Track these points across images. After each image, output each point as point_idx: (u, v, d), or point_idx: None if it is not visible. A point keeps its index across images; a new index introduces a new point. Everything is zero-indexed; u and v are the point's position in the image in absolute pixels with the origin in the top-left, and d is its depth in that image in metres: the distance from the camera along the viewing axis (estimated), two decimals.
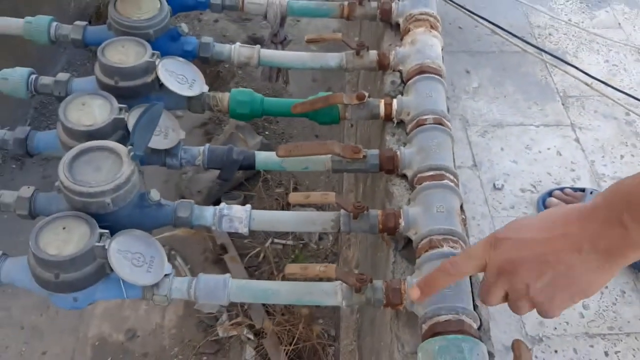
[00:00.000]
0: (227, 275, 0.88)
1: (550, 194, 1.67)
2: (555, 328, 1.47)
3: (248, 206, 0.96)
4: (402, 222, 0.92)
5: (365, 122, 1.50)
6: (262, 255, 1.61)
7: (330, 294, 0.85)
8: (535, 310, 0.68)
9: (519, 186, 1.75)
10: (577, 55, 2.17)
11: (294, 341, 1.32)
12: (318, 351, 1.31)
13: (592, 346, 1.44)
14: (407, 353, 0.84)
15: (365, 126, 1.51)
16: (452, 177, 0.96)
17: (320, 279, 0.84)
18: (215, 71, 2.03)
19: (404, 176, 1.02)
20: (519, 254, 0.65)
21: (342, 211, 0.94)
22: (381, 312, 1.01)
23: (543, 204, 1.64)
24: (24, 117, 2.04)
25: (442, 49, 1.20)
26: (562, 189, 1.66)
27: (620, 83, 2.07)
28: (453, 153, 1.03)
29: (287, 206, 1.74)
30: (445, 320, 0.77)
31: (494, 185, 1.78)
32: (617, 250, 0.60)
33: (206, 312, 1.51)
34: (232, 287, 0.86)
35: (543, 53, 2.11)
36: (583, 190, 1.63)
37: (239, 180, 1.84)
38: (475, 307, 0.83)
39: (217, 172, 1.04)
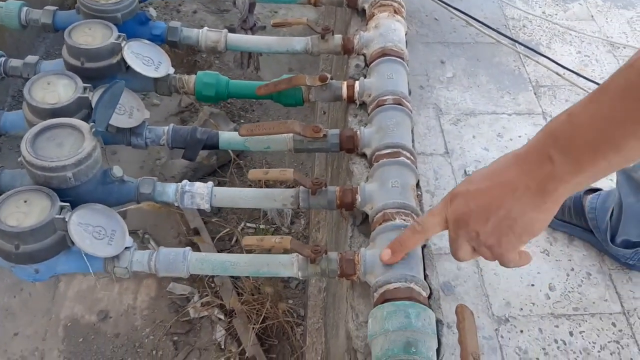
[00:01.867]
0: (187, 248, 0.90)
1: None
2: (522, 309, 1.51)
3: (210, 183, 0.98)
4: (358, 198, 0.95)
5: (334, 108, 1.53)
6: (234, 238, 1.63)
7: (287, 265, 0.88)
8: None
9: None
10: (550, 47, 2.20)
11: (262, 320, 1.35)
12: (287, 330, 1.33)
13: (557, 326, 1.47)
14: (361, 322, 0.87)
15: (334, 111, 1.54)
16: (408, 154, 0.99)
17: (278, 251, 0.87)
18: (192, 60, 2.05)
19: (364, 155, 1.05)
20: (468, 206, 0.71)
21: (302, 188, 0.97)
22: (340, 286, 1.04)
23: None
24: (1, 105, 2.05)
25: (405, 34, 1.22)
26: None
27: (592, 73, 2.11)
28: (412, 132, 1.07)
29: None
30: (395, 288, 0.80)
31: (465, 171, 1.80)
32: (547, 186, 0.64)
33: (178, 294, 1.54)
34: (191, 259, 0.89)
35: (516, 44, 2.14)
36: None
37: (213, 167, 1.86)
38: (425, 276, 0.86)
39: None
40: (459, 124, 1.92)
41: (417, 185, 0.99)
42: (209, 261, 0.89)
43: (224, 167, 1.87)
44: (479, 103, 1.98)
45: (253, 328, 1.34)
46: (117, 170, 0.94)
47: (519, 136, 1.90)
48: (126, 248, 0.88)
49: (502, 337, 1.44)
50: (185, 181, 0.98)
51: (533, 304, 1.48)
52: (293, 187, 0.99)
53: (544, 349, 1.42)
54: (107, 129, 0.93)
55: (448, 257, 1.62)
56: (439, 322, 0.82)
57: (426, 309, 0.78)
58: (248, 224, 1.71)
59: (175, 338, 1.47)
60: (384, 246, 0.85)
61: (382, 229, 0.88)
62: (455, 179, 1.76)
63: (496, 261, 0.73)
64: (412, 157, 1.00)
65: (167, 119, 1.97)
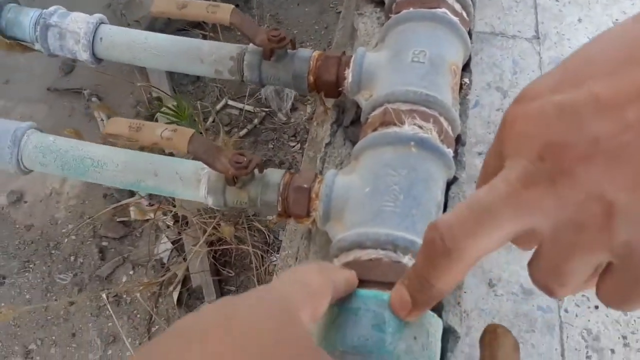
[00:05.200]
0: (26, 124, 0.54)
1: None
2: None
3: (96, 16, 0.60)
4: (349, 75, 0.55)
5: None
6: (210, 118, 1.26)
7: (189, 180, 0.52)
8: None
9: None
10: None
11: (221, 240, 1.02)
12: (252, 256, 1.01)
13: None
14: None
15: None
16: (458, 7, 0.57)
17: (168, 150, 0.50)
18: None
19: (382, 2, 0.64)
20: (567, 135, 0.24)
21: (251, 45, 0.58)
22: None
23: None
24: None
25: None
26: None
27: None
28: None
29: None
30: (369, 260, 0.43)
31: None
32: None
33: None
34: (27, 145, 0.53)
35: None
36: None
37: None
38: None
39: None
40: None
41: (466, 66, 0.58)
42: (56, 153, 0.53)
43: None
44: None
45: (211, 251, 1.00)
46: None
47: None
48: None
49: (566, 311, 1.09)
50: (54, 7, 0.60)
51: None
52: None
53: (624, 337, 1.06)
54: None
55: None
56: (450, 332, 0.46)
57: (427, 313, 0.41)
58: (231, 102, 1.32)
59: (105, 243, 1.17)
60: (371, 178, 0.47)
61: (374, 139, 0.49)
62: None
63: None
64: (463, 14, 0.58)
65: None
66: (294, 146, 1.23)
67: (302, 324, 0.29)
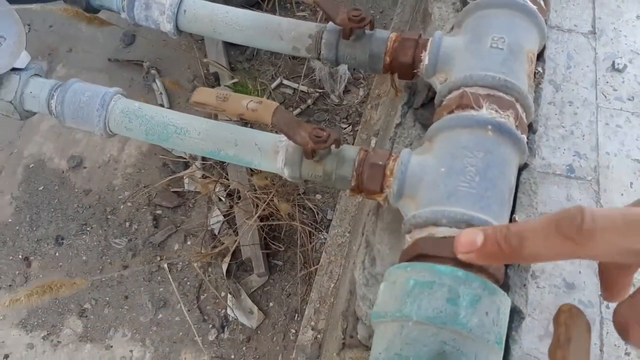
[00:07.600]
0: (113, 89, 0.57)
1: None
2: None
3: None
4: (425, 58, 0.56)
5: None
6: (265, 94, 1.28)
7: (267, 152, 0.53)
8: None
9: None
10: None
11: (271, 214, 1.03)
12: (301, 233, 1.02)
13: None
14: (377, 274, 0.53)
15: None
16: None
17: (251, 121, 0.52)
18: None
19: None
20: None
21: (330, 24, 0.59)
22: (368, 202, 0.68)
23: None
24: None
25: None
26: None
27: None
28: None
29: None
30: (444, 238, 0.44)
31: (614, 64, 1.37)
32: None
33: (175, 156, 1.23)
34: (114, 110, 0.56)
35: None
36: None
37: None
38: (512, 221, 0.49)
39: None
40: None
41: (540, 55, 0.59)
42: (141, 118, 0.55)
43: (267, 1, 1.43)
44: None
45: (262, 226, 1.03)
46: None
47: None
48: (14, 70, 0.56)
49: (607, 307, 1.08)
50: None
51: None
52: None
53: None
54: None
55: (556, 179, 1.22)
56: (516, 313, 0.47)
57: (495, 290, 0.42)
58: (285, 82, 1.33)
59: (159, 212, 1.20)
60: (447, 158, 0.48)
61: (450, 122, 0.50)
62: (596, 72, 1.32)
63: None
64: (541, 3, 0.58)
65: None
66: (345, 128, 1.24)
67: None
